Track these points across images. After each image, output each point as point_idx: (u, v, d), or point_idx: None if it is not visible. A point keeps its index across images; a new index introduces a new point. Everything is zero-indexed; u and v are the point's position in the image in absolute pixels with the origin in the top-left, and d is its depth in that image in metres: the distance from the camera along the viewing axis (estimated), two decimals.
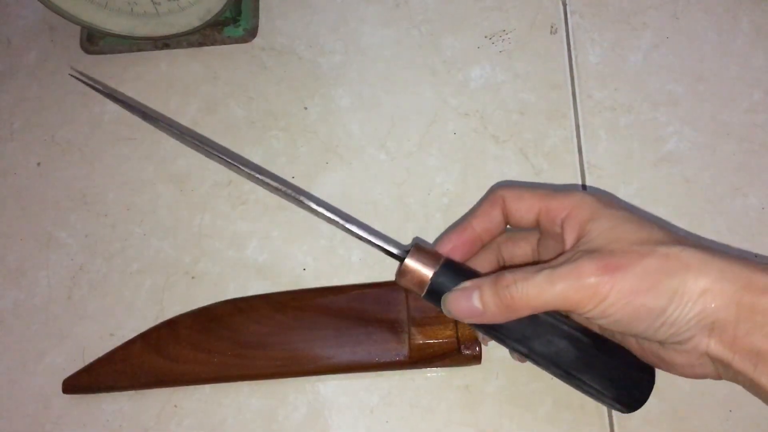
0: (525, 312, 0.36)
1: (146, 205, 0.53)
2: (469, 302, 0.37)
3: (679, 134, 0.52)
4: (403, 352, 0.46)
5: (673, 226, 0.50)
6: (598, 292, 0.33)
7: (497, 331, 0.39)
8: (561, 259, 0.36)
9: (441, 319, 0.46)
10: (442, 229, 0.51)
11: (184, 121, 0.55)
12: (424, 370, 0.47)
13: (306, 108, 0.55)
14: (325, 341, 0.47)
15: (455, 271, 0.39)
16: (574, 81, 0.54)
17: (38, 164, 0.55)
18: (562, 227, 0.38)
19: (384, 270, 0.50)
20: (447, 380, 0.47)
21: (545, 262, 0.37)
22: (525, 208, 0.40)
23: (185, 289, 0.50)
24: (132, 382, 0.47)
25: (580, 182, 0.51)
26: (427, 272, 0.39)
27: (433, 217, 0.51)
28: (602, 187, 0.51)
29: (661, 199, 0.51)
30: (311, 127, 0.55)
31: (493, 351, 0.47)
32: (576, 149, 0.52)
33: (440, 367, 0.47)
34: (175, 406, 0.47)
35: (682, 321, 0.33)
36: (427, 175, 0.53)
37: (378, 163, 0.53)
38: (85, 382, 0.47)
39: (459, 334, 0.45)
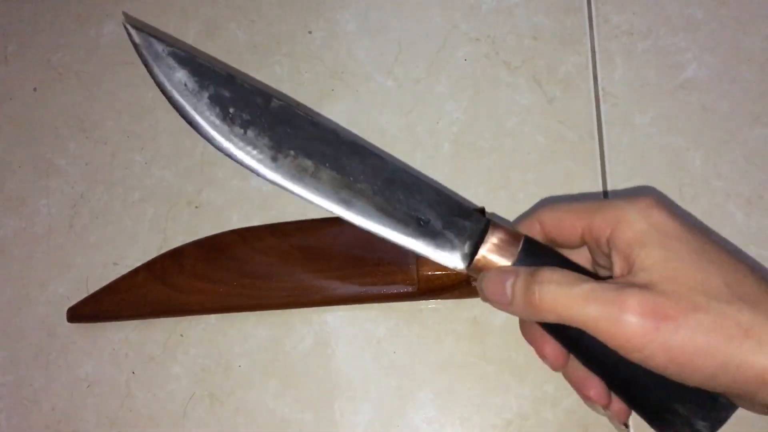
0: (549, 318, 0.32)
1: (146, 133, 0.51)
2: (501, 286, 0.34)
3: (698, 60, 0.50)
4: (410, 283, 0.45)
5: (689, 155, 0.48)
6: (635, 337, 0.30)
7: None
8: (608, 283, 0.32)
9: None
10: (451, 161, 0.50)
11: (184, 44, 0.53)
12: (431, 301, 0.47)
13: (310, 32, 0.53)
14: (331, 272, 0.46)
15: (538, 256, 0.35)
16: (590, 4, 0.52)
17: (34, 89, 0.53)
18: (609, 249, 0.34)
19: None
20: (454, 312, 0.47)
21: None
22: (567, 232, 0.36)
23: (188, 218, 0.50)
24: (137, 312, 0.47)
25: (594, 110, 0.50)
26: (505, 262, 0.35)
27: (441, 147, 0.50)
28: (617, 114, 0.49)
29: (678, 128, 0.49)
30: (316, 52, 0.53)
31: None
32: (591, 76, 0.51)
33: (448, 298, 0.47)
34: (181, 335, 0.47)
35: (736, 387, 0.30)
36: (435, 103, 0.51)
37: (385, 90, 0.52)
38: (89, 311, 0.47)
39: None
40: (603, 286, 0.31)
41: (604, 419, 0.39)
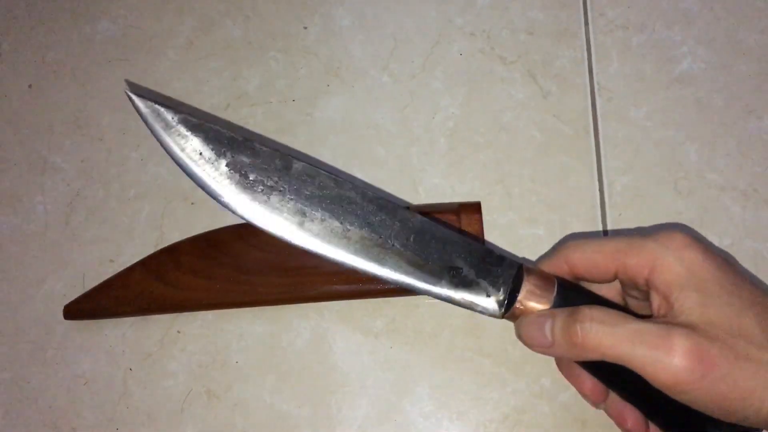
0: (593, 356, 0.33)
1: (142, 130, 0.50)
2: (540, 331, 0.35)
3: (692, 54, 0.50)
4: None
5: (685, 149, 0.49)
6: (682, 382, 0.31)
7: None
8: (652, 322, 0.33)
9: None
10: (447, 156, 0.50)
11: (180, 41, 0.53)
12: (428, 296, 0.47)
13: (305, 27, 0.53)
14: (327, 267, 0.46)
15: (573, 297, 0.36)
16: None
17: (29, 86, 0.53)
18: (647, 286, 0.35)
19: (388, 196, 0.49)
20: (451, 306, 0.46)
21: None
22: (599, 271, 0.36)
23: (184, 215, 0.49)
24: (133, 308, 0.47)
25: (589, 104, 0.50)
26: (542, 307, 0.36)
27: (437, 143, 0.50)
28: (612, 108, 0.50)
29: (673, 122, 0.49)
30: (311, 48, 0.53)
31: None
32: (586, 70, 0.51)
33: None
34: (178, 331, 0.47)
35: (766, 425, 0.31)
36: (431, 99, 0.51)
37: (381, 85, 0.52)
38: (86, 308, 0.47)
39: None
40: (648, 327, 0.32)
41: (601, 413, 0.40)
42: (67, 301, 0.47)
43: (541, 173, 0.49)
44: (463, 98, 0.51)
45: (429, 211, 0.46)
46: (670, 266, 0.33)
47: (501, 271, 0.37)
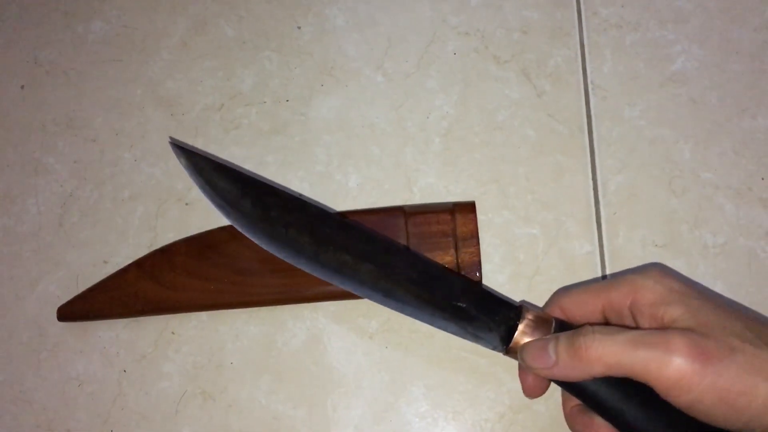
0: (596, 368, 0.34)
1: (135, 130, 0.51)
2: (543, 350, 0.36)
3: (686, 53, 0.50)
4: None
5: (679, 148, 0.49)
6: (684, 376, 0.32)
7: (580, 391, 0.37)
8: (649, 328, 0.35)
9: (441, 244, 0.45)
10: (441, 155, 0.49)
11: (173, 41, 0.53)
12: None
13: (299, 27, 0.53)
14: None
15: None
16: None
17: (21, 87, 0.52)
18: (632, 316, 0.37)
19: (383, 195, 0.49)
20: None
21: None
22: (588, 309, 0.39)
23: (179, 215, 0.49)
24: (127, 310, 0.46)
25: (583, 103, 0.50)
26: None
27: (432, 142, 0.50)
28: (606, 107, 0.50)
29: (667, 121, 0.49)
30: (305, 47, 0.53)
31: (493, 277, 0.47)
32: (580, 69, 0.51)
33: None
34: (173, 332, 0.47)
35: None
36: (425, 98, 0.51)
37: (375, 85, 0.51)
38: (79, 309, 0.47)
39: (459, 260, 0.45)
40: (647, 332, 0.34)
41: None
42: (60, 303, 0.47)
43: (535, 172, 0.49)
44: (457, 97, 0.51)
45: (424, 211, 0.46)
46: (651, 288, 0.36)
47: (501, 309, 0.39)
